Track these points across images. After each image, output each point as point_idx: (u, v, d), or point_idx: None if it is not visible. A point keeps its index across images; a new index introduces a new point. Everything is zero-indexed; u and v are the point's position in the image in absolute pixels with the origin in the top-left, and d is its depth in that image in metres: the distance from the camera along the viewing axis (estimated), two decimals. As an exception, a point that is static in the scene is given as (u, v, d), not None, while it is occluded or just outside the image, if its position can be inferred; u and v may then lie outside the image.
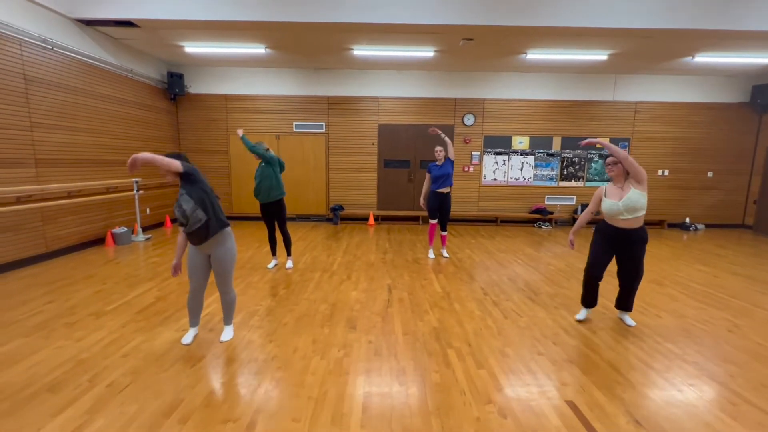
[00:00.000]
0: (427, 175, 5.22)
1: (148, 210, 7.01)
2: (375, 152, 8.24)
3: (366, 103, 8.06)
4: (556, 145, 8.26)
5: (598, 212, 3.18)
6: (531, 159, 8.31)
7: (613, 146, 2.91)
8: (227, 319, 2.91)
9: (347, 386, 2.31)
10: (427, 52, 6.58)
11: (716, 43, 5.86)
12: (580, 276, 4.63)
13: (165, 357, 2.61)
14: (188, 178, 2.52)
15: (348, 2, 5.08)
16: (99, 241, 5.83)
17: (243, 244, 6.04)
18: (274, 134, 8.13)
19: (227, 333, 2.90)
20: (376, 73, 7.95)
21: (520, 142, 8.25)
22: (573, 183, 8.39)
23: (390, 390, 2.28)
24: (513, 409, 2.13)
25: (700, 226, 8.33)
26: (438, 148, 5.10)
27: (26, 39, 4.61)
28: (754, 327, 3.28)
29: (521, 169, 8.35)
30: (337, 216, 8.17)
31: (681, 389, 2.35)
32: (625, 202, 2.93)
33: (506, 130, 8.21)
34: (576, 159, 8.31)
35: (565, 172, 8.35)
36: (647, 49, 6.24)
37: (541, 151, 8.28)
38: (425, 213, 6.23)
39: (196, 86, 7.91)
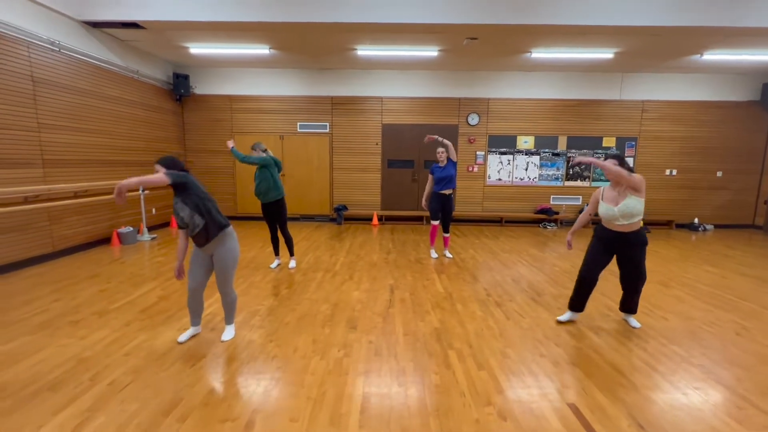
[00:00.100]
0: (430, 177, 5.20)
1: (153, 210, 7.07)
2: (379, 152, 8.24)
3: (370, 103, 8.06)
4: (562, 145, 8.18)
5: (597, 213, 3.15)
6: (536, 159, 8.24)
7: (605, 164, 2.85)
8: (228, 319, 2.92)
9: (346, 386, 2.31)
10: (430, 52, 6.55)
11: (725, 40, 5.76)
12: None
13: (166, 356, 2.62)
14: (179, 187, 2.51)
15: (351, 2, 5.08)
16: (105, 240, 5.89)
17: (246, 244, 6.07)
18: (278, 134, 8.16)
19: (228, 332, 2.91)
20: (380, 73, 7.94)
21: (525, 142, 8.19)
22: (579, 183, 8.30)
23: (389, 391, 2.27)
24: (513, 411, 2.10)
25: (709, 227, 8.20)
26: (440, 150, 5.08)
27: (34, 41, 4.67)
28: (763, 329, 3.21)
29: (526, 169, 8.29)
30: (340, 216, 8.18)
31: (686, 392, 2.30)
32: (621, 208, 2.90)
33: (511, 130, 8.16)
34: (582, 159, 8.22)
35: (571, 172, 8.28)
36: (654, 47, 6.16)
37: (547, 150, 8.21)
38: (429, 213, 6.21)
39: (201, 87, 7.97)
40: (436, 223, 5.28)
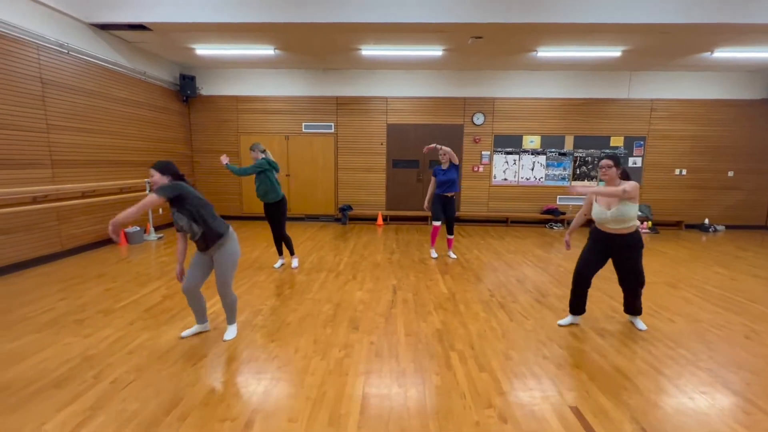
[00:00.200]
0: (433, 179, 5.18)
1: (160, 210, 7.15)
2: (384, 152, 8.23)
3: (375, 103, 8.06)
4: (569, 144, 8.10)
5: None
6: (542, 158, 8.16)
7: (603, 191, 2.81)
8: (230, 319, 2.94)
9: (346, 387, 2.30)
10: (435, 51, 6.53)
11: (736, 37, 5.64)
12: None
13: (168, 355, 2.64)
14: (175, 200, 2.52)
15: (354, 2, 5.08)
16: (112, 240, 5.96)
17: (250, 245, 6.10)
18: (283, 135, 8.20)
19: (230, 332, 2.92)
20: (385, 72, 7.93)
21: (531, 142, 8.12)
22: (586, 183, 8.20)
23: (389, 392, 2.26)
24: (514, 413, 2.08)
25: (720, 228, 8.04)
26: (441, 152, 5.04)
27: (43, 44, 4.75)
28: (774, 333, 3.14)
29: (532, 169, 8.21)
30: (345, 216, 8.19)
31: (692, 396, 2.26)
32: (613, 212, 2.86)
33: (517, 129, 8.09)
34: (589, 158, 8.13)
35: (578, 172, 8.18)
36: (663, 45, 6.06)
37: (553, 150, 8.13)
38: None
39: (207, 88, 8.03)
40: (437, 224, 5.26)
